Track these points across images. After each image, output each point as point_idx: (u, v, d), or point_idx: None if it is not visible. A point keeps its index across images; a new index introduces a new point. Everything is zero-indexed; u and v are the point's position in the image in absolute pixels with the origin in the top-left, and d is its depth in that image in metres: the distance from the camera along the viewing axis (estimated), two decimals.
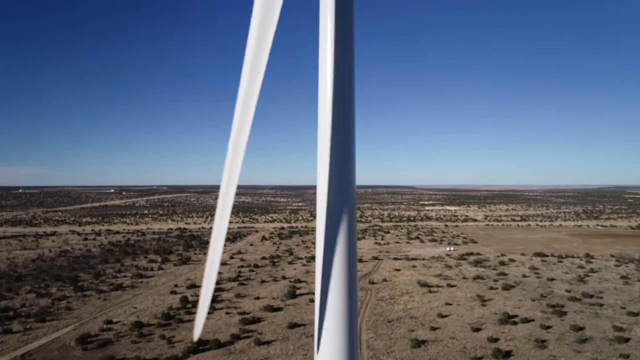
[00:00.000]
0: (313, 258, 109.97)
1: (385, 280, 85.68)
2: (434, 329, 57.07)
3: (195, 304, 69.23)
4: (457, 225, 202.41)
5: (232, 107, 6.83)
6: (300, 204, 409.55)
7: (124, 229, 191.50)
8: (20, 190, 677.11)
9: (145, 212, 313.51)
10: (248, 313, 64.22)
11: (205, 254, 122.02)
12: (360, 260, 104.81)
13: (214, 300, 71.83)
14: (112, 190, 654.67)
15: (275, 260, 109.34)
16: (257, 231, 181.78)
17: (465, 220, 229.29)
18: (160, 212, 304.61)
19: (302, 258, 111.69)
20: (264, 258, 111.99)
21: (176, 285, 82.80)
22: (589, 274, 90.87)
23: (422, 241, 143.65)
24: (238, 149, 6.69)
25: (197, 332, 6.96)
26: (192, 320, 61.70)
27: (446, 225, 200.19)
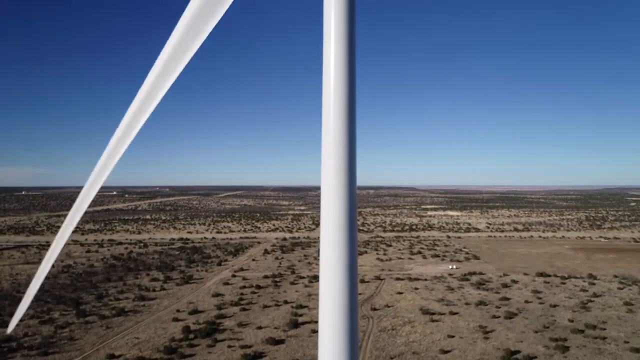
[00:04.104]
0: (315, 278, 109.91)
1: (387, 305, 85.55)
2: None
3: (197, 333, 69.35)
4: (459, 237, 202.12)
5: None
6: (302, 208, 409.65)
7: (127, 239, 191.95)
8: (23, 192, 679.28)
9: (148, 217, 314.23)
10: (250, 346, 64.13)
11: (207, 270, 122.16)
12: (363, 281, 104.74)
13: (216, 330, 71.87)
14: (114, 193, 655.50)
15: (278, 279, 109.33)
16: (259, 242, 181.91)
17: (468, 230, 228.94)
18: (163, 218, 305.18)
19: (304, 277, 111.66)
20: (266, 277, 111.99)
21: (178, 311, 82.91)
22: (592, 299, 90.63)
23: (424, 257, 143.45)
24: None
25: (10, 327, 8.48)
26: (194, 355, 61.84)
27: (448, 237, 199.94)
